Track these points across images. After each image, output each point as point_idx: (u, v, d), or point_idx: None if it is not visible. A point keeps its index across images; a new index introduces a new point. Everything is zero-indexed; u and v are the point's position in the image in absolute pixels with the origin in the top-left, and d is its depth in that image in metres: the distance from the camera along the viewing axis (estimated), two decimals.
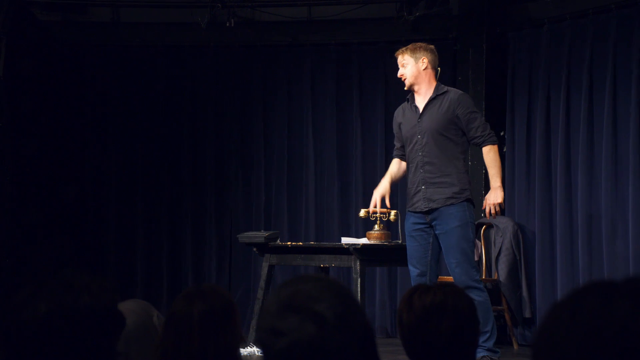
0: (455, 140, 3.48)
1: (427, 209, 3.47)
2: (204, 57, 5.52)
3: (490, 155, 3.47)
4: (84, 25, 5.45)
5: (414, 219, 3.53)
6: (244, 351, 3.85)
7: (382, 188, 3.65)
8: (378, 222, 4.06)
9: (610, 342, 0.70)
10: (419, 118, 3.52)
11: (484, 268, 4.64)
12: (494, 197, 3.45)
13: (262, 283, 4.14)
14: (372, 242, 3.97)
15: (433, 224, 3.47)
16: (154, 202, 5.49)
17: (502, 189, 3.46)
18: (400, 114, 3.66)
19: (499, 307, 4.54)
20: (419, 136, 3.51)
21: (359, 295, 3.72)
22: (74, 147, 5.45)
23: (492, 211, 3.47)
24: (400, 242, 4.06)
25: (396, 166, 3.71)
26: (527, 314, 4.68)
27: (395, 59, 5.26)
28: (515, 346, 4.60)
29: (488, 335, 3.39)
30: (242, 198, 5.47)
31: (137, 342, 1.55)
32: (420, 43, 3.64)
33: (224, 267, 5.46)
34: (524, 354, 4.46)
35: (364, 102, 5.36)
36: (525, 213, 4.79)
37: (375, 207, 3.65)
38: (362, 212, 4.13)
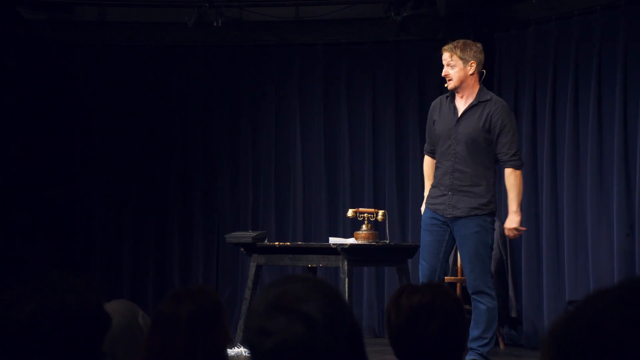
0: (489, 150, 3.39)
1: (450, 216, 3.41)
2: (192, 57, 5.50)
3: (510, 179, 3.38)
4: (70, 24, 5.41)
5: (432, 214, 3.47)
6: (231, 351, 3.84)
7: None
8: (366, 222, 4.06)
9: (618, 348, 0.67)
10: (457, 122, 3.41)
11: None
12: (509, 222, 3.44)
13: (249, 283, 4.13)
14: (359, 242, 3.97)
15: (451, 225, 3.43)
16: (140, 202, 5.46)
17: (518, 213, 3.42)
18: (437, 110, 3.48)
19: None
20: (453, 141, 3.39)
21: (347, 295, 3.72)
22: (60, 146, 5.40)
23: (511, 234, 3.48)
24: (387, 242, 4.07)
25: (430, 168, 3.56)
26: (514, 314, 4.70)
27: (382, 59, 5.31)
28: (502, 346, 4.62)
29: (486, 341, 3.37)
30: (229, 198, 5.46)
31: (122, 342, 1.54)
32: (470, 42, 3.47)
33: (211, 268, 5.45)
34: (511, 353, 4.49)
35: (352, 102, 5.36)
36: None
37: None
38: (350, 212, 4.13)
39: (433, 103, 3.57)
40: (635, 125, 4.18)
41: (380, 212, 4.10)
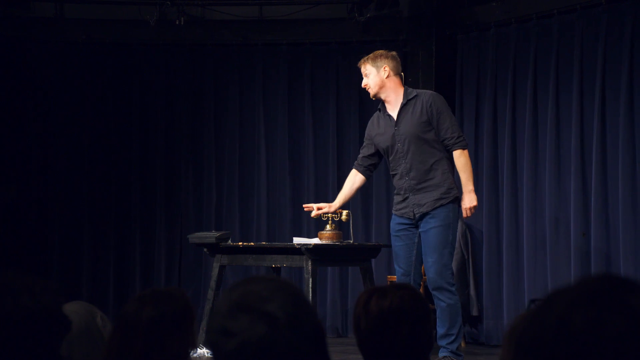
0: (435, 140, 3.47)
1: (418, 214, 3.46)
2: (153, 55, 5.43)
3: (461, 160, 3.47)
4: (26, 20, 5.29)
5: (399, 220, 3.53)
6: (194, 353, 3.80)
7: (327, 205, 3.74)
8: (330, 222, 4.06)
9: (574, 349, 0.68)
10: (396, 126, 3.51)
11: None
12: (469, 200, 3.48)
13: (212, 284, 4.10)
14: (323, 242, 3.98)
15: (418, 223, 3.48)
16: (101, 201, 5.37)
17: (474, 192, 3.50)
18: (374, 125, 3.62)
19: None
20: (399, 144, 3.50)
21: (311, 295, 3.72)
22: (16, 144, 5.28)
23: (469, 214, 3.54)
24: (351, 242, 4.08)
25: (350, 184, 3.70)
26: (475, 312, 4.77)
27: (346, 60, 5.33)
28: (463, 344, 4.68)
29: (453, 338, 3.41)
30: (192, 198, 5.41)
31: (79, 344, 1.51)
32: (380, 51, 3.61)
33: (174, 268, 5.39)
34: (471, 351, 4.55)
35: (316, 102, 5.37)
36: (474, 212, 4.88)
37: (318, 209, 3.73)
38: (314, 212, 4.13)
39: (369, 122, 3.71)
40: (591, 125, 4.28)
41: (344, 212, 4.11)
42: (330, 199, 5.31)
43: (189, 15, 5.20)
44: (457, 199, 3.50)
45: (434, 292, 3.44)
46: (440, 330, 3.43)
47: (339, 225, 4.16)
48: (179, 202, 5.41)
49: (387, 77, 3.53)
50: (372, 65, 3.54)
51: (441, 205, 3.44)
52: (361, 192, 5.29)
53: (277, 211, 5.34)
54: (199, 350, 3.83)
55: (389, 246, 4.38)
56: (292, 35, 5.36)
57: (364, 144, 3.70)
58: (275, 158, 5.38)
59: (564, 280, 4.28)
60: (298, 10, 5.27)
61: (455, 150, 3.48)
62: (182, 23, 5.10)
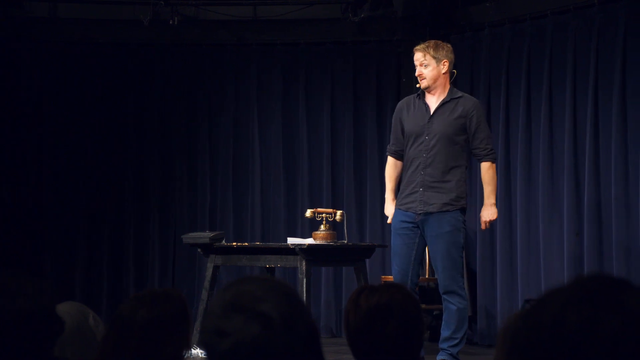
0: (463, 147, 3.42)
1: (422, 212, 3.41)
2: (148, 55, 5.42)
3: (489, 172, 3.46)
4: (20, 19, 5.27)
5: (403, 217, 3.45)
6: (188, 353, 3.78)
7: (391, 211, 3.53)
8: (324, 222, 4.06)
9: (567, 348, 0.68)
10: (429, 119, 3.43)
11: (427, 267, 4.72)
12: (489, 214, 3.48)
13: (206, 284, 4.09)
14: (318, 242, 3.98)
15: (421, 224, 3.42)
16: (95, 201, 5.35)
17: (495, 206, 3.49)
18: (404, 108, 3.49)
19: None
20: (426, 137, 3.40)
21: (305, 295, 3.72)
22: (11, 144, 5.26)
23: (488, 226, 3.54)
24: (345, 242, 4.08)
25: (393, 170, 3.55)
26: (468, 312, 4.77)
27: (341, 60, 5.34)
28: None
29: (457, 342, 3.39)
30: (186, 198, 5.40)
31: (72, 345, 1.50)
32: (441, 42, 3.52)
33: (168, 268, 5.38)
34: (465, 351, 4.55)
35: (311, 102, 5.37)
36: (467, 213, 4.89)
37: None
38: (308, 213, 4.13)
39: (400, 104, 3.58)
40: (584, 125, 4.30)
41: (339, 213, 4.11)
42: (325, 199, 5.34)
43: (183, 15, 5.19)
44: (464, 210, 3.46)
45: (444, 296, 3.42)
46: (445, 332, 3.40)
47: (333, 226, 4.16)
48: (173, 202, 5.40)
49: (445, 72, 3.45)
50: (433, 57, 3.42)
51: (447, 211, 3.40)
52: (355, 192, 5.29)
53: (272, 211, 5.34)
54: (193, 351, 3.82)
55: (383, 246, 4.39)
56: (287, 36, 5.35)
57: (393, 129, 3.55)
58: (269, 158, 5.38)
59: (557, 280, 4.29)
60: (292, 10, 5.27)
61: (484, 162, 3.45)
62: (175, 23, 5.09)
